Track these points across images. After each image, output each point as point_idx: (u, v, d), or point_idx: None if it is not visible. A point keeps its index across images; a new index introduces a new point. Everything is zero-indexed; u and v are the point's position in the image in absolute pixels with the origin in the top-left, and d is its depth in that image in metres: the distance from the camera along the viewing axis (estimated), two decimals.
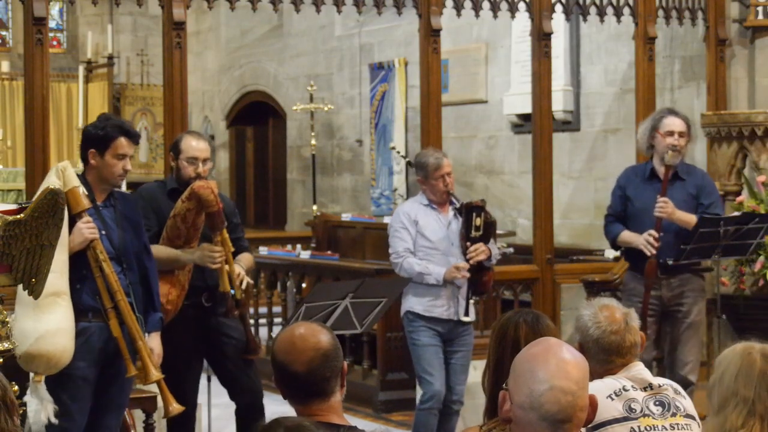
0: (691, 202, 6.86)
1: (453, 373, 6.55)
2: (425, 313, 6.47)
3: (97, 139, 5.23)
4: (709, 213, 6.84)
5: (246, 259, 6.06)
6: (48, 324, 4.62)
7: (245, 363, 5.98)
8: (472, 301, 6.56)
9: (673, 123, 6.81)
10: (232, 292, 5.87)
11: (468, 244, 6.43)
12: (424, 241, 6.49)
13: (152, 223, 5.87)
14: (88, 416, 5.14)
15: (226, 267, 5.82)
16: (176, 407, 5.31)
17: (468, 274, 6.40)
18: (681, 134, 6.79)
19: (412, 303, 6.51)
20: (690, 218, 6.77)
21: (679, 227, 6.76)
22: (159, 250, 5.80)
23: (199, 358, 6.01)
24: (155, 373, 5.23)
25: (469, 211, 6.46)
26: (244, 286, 5.92)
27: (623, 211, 6.92)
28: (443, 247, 6.48)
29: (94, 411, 5.18)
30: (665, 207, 6.71)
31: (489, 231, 6.51)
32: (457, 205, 6.54)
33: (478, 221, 6.44)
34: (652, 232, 6.70)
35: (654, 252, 6.70)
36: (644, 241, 6.73)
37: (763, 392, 2.93)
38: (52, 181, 4.82)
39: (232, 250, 5.87)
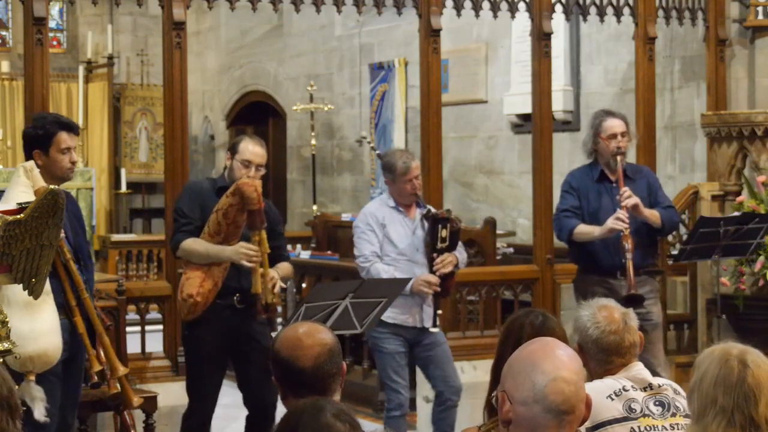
0: (644, 201, 6.82)
1: (438, 368, 6.47)
2: (389, 320, 6.36)
3: (38, 138, 5.28)
4: (665, 209, 6.83)
5: (284, 267, 6.05)
6: (44, 323, 4.64)
7: (267, 371, 5.97)
8: (439, 312, 6.50)
9: (614, 125, 6.75)
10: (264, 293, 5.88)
11: (435, 255, 6.37)
12: (390, 247, 6.41)
13: (195, 217, 5.92)
14: None
15: (261, 269, 5.82)
16: (138, 400, 5.43)
17: (438, 288, 6.36)
18: (623, 134, 6.76)
19: None
20: (653, 214, 6.75)
21: (637, 227, 6.71)
22: (197, 243, 5.85)
23: (225, 361, 6.00)
24: (122, 368, 5.28)
25: (434, 223, 6.39)
26: (277, 289, 5.92)
27: (579, 209, 6.81)
28: (409, 254, 6.41)
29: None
30: (631, 197, 6.62)
31: (455, 239, 6.44)
32: (424, 211, 6.47)
33: (444, 233, 6.36)
34: (622, 211, 6.58)
35: (627, 226, 6.57)
36: (613, 219, 6.58)
37: (742, 401, 2.89)
38: (21, 180, 4.83)
39: (269, 251, 5.86)
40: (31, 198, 4.28)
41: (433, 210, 6.48)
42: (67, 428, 5.27)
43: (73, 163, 5.31)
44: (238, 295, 5.89)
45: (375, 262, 6.39)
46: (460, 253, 6.50)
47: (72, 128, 5.35)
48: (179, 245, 5.92)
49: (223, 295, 5.87)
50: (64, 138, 5.27)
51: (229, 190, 5.80)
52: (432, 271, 6.37)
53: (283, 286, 6.08)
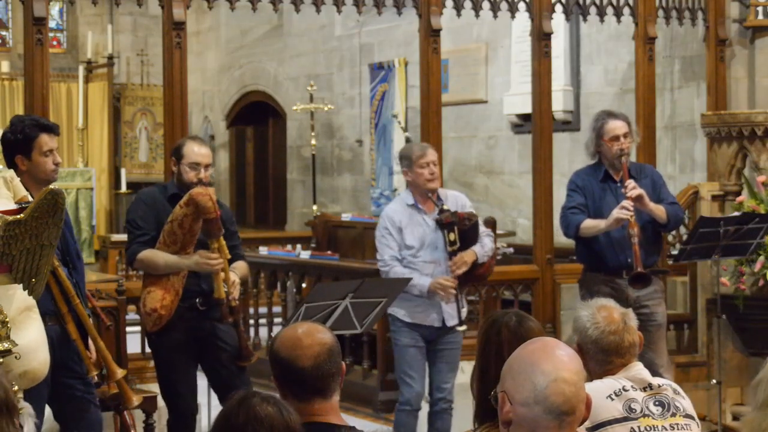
0: (649, 199, 6.81)
1: (438, 372, 6.48)
2: (408, 319, 6.42)
3: (19, 143, 5.18)
4: (670, 205, 6.83)
5: (240, 267, 6.04)
6: (27, 339, 4.52)
7: (238, 370, 5.97)
8: (464, 309, 6.49)
9: (616, 127, 6.75)
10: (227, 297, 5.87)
11: (449, 258, 6.37)
12: (406, 248, 6.43)
13: (151, 227, 5.88)
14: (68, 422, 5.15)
15: (222, 274, 5.82)
16: (138, 398, 5.38)
17: (455, 292, 6.35)
18: (625, 135, 6.76)
19: (393, 307, 6.47)
20: (659, 208, 6.75)
21: (642, 225, 6.71)
22: (156, 255, 5.81)
23: (194, 361, 6.00)
24: (119, 371, 5.23)
25: (441, 229, 6.38)
26: (236, 294, 5.92)
27: (586, 207, 6.83)
28: (427, 254, 6.42)
29: (69, 414, 5.17)
30: (635, 188, 6.62)
31: (470, 236, 6.41)
32: (437, 210, 6.41)
33: (451, 236, 6.35)
34: (626, 201, 6.59)
35: (632, 213, 6.57)
36: (618, 209, 6.58)
37: None
38: (2, 192, 4.73)
39: (229, 257, 5.87)
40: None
41: (441, 212, 6.41)
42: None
43: (57, 164, 5.22)
44: (199, 298, 5.88)
45: (394, 266, 6.41)
46: (483, 246, 6.47)
47: (52, 129, 5.26)
48: (136, 257, 5.87)
49: (186, 299, 5.86)
50: (46, 140, 5.18)
51: (183, 200, 5.75)
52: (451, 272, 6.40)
53: (236, 294, 6.04)
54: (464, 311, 6.48)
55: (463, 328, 6.49)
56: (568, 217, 6.85)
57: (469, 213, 6.49)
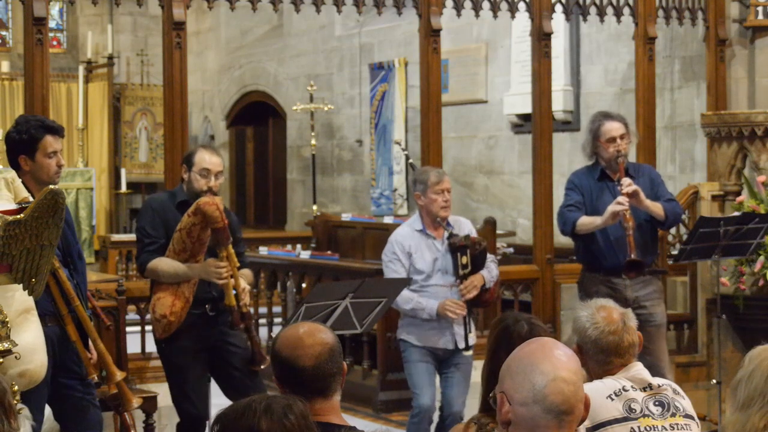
0: (647, 197, 6.81)
1: (449, 388, 6.49)
2: (419, 344, 6.43)
3: (23, 143, 5.17)
4: (667, 202, 6.83)
5: (246, 275, 6.04)
6: (25, 341, 4.51)
7: (251, 373, 5.97)
8: (471, 334, 6.50)
9: (612, 128, 6.74)
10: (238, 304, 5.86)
11: (458, 282, 6.37)
12: (417, 273, 6.42)
13: (160, 235, 5.87)
14: (72, 422, 5.15)
15: (232, 281, 5.82)
16: (138, 400, 5.36)
17: (465, 312, 6.36)
18: (622, 137, 6.76)
19: (405, 333, 6.48)
20: (656, 205, 6.75)
21: (639, 223, 6.72)
22: (166, 263, 5.81)
23: (205, 367, 5.98)
24: (119, 374, 5.21)
25: (453, 252, 6.38)
26: (247, 300, 5.92)
27: (583, 205, 6.84)
28: (438, 278, 6.41)
29: (69, 414, 5.17)
30: (631, 185, 6.62)
31: (479, 260, 6.42)
32: (447, 234, 6.40)
33: (464, 260, 6.34)
34: (622, 197, 6.60)
35: (627, 207, 6.59)
36: (613, 204, 6.59)
37: None
38: (3, 194, 4.71)
39: (238, 265, 5.87)
40: None
41: (452, 236, 6.39)
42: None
43: (60, 166, 5.21)
44: (209, 304, 5.88)
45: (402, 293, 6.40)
46: (490, 271, 6.47)
47: (57, 131, 5.25)
48: (146, 266, 5.87)
49: (196, 306, 5.86)
50: (50, 142, 5.17)
51: (191, 210, 5.74)
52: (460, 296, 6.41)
53: (247, 300, 6.03)
54: (472, 336, 6.46)
55: (470, 353, 6.48)
56: (565, 215, 6.86)
57: (479, 238, 6.49)
